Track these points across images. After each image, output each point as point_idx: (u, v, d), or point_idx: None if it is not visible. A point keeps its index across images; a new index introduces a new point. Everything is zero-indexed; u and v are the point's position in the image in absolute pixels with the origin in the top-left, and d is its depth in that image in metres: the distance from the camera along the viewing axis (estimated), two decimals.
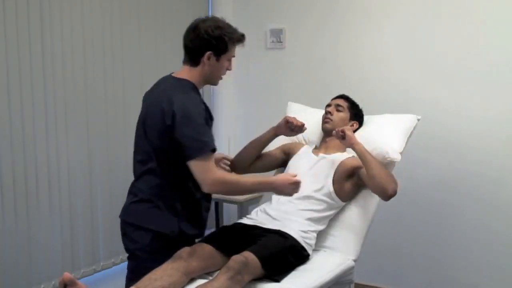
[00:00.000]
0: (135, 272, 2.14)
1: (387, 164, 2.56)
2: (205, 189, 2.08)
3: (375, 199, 2.50)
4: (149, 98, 2.22)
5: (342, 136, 2.43)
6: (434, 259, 3.23)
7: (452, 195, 3.15)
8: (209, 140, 2.07)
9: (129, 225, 2.20)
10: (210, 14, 3.94)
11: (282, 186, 2.19)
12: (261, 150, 2.63)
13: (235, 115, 3.97)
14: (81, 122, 3.02)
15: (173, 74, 2.22)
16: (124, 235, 2.24)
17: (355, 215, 2.46)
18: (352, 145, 2.41)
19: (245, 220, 2.42)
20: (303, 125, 2.52)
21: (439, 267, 3.22)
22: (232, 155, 3.88)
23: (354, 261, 2.38)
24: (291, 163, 2.59)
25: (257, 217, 2.41)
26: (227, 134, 3.75)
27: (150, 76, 3.41)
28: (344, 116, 2.62)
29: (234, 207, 3.43)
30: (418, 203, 3.25)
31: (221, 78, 2.25)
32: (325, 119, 2.61)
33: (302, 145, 2.71)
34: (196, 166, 2.04)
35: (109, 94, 3.17)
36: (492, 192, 3.04)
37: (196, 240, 2.25)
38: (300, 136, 2.78)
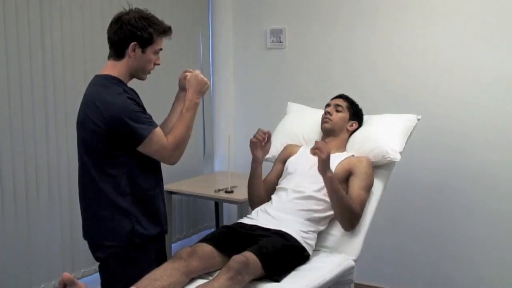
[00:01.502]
0: (110, 281, 2.13)
1: (387, 164, 2.56)
2: (169, 162, 2.09)
3: (375, 198, 2.50)
4: (80, 107, 2.13)
5: (317, 154, 2.29)
6: (434, 259, 3.23)
7: (452, 195, 3.15)
8: (148, 121, 2.02)
9: (96, 237, 2.13)
10: (210, 15, 3.95)
11: (198, 85, 2.15)
12: (262, 181, 2.61)
13: (235, 115, 3.97)
14: None
15: (98, 73, 2.14)
16: (94, 247, 2.16)
17: None
18: (323, 172, 2.30)
19: (245, 220, 2.42)
20: (267, 132, 2.50)
21: (439, 267, 3.22)
22: (231, 154, 3.92)
23: (354, 261, 2.38)
24: (289, 163, 2.59)
25: (258, 217, 2.41)
26: (227, 134, 3.75)
27: (150, 76, 3.43)
28: (343, 116, 2.62)
29: (234, 207, 3.42)
30: (418, 203, 3.25)
31: (149, 73, 2.14)
32: (325, 119, 2.61)
33: (299, 146, 2.71)
34: (148, 149, 2.02)
35: None
36: (493, 192, 3.03)
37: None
38: (300, 136, 2.78)
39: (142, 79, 2.16)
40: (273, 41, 3.71)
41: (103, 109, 1.98)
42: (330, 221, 2.47)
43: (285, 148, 2.72)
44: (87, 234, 2.15)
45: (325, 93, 2.83)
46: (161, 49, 2.13)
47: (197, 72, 2.20)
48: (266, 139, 2.54)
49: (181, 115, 2.13)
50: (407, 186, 3.23)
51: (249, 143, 2.45)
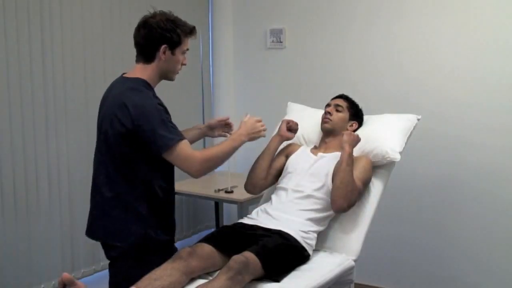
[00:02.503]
0: (117, 278, 2.16)
1: (387, 164, 2.56)
2: (194, 174, 2.07)
3: (375, 199, 2.50)
4: (104, 105, 2.15)
5: (346, 134, 2.40)
6: (435, 259, 3.23)
7: (453, 194, 3.15)
8: (176, 131, 2.04)
9: (107, 237, 2.15)
10: (210, 15, 3.95)
11: (251, 129, 2.21)
12: (271, 161, 2.60)
13: (235, 115, 3.96)
14: (81, 122, 3.02)
15: (124, 75, 2.17)
16: (106, 246, 2.19)
17: (355, 215, 2.45)
18: (344, 144, 2.37)
19: (245, 220, 2.42)
20: (297, 123, 2.57)
21: (440, 267, 3.22)
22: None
23: (354, 261, 2.38)
24: (289, 162, 2.59)
25: (258, 217, 2.41)
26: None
27: None
28: (343, 116, 2.61)
29: (234, 207, 3.42)
30: (418, 203, 3.25)
31: (177, 73, 2.18)
32: (325, 119, 2.61)
33: (299, 145, 2.71)
34: (174, 158, 2.01)
35: None
36: (493, 191, 3.03)
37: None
38: (300, 136, 2.77)
39: (172, 79, 2.20)
40: (273, 41, 3.71)
41: (133, 112, 1.98)
42: (330, 221, 2.47)
43: (287, 145, 2.72)
44: (96, 233, 2.17)
45: (325, 93, 2.83)
46: (187, 49, 2.16)
47: (259, 118, 2.25)
48: (295, 129, 2.58)
49: (224, 141, 2.17)
50: (407, 186, 3.23)
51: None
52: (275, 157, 2.65)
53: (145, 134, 1.99)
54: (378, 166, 2.56)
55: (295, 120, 2.61)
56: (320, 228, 2.40)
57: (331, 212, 2.42)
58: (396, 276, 3.34)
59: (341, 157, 2.36)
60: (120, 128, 2.01)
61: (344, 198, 2.31)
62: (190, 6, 3.76)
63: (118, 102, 2.03)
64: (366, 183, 2.45)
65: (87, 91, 3.05)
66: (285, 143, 2.73)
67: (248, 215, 2.48)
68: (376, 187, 2.53)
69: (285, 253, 2.16)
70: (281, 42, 3.69)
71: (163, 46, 2.07)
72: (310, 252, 2.30)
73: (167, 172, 2.13)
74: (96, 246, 3.11)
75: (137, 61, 2.14)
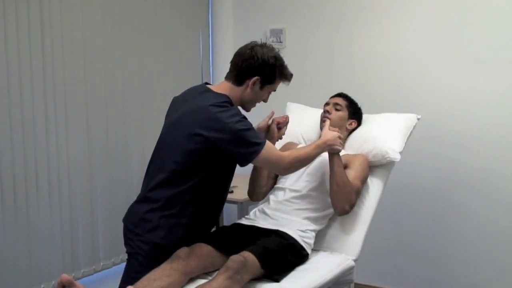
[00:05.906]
0: (129, 274, 2.16)
1: (387, 164, 2.56)
2: (282, 173, 2.32)
3: (375, 198, 2.50)
4: (183, 110, 2.14)
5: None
6: (435, 259, 3.22)
7: (452, 194, 3.15)
8: (260, 137, 2.11)
9: (131, 231, 2.17)
10: (210, 14, 3.95)
11: (333, 141, 2.27)
12: None
13: None
14: (81, 122, 3.02)
15: (210, 87, 2.18)
16: (126, 238, 2.21)
17: (355, 215, 2.45)
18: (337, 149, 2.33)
19: (243, 221, 2.42)
20: (286, 116, 2.50)
21: (440, 267, 3.22)
22: None
23: (354, 261, 2.38)
24: None
25: (255, 218, 2.41)
26: None
27: (150, 76, 3.44)
28: (342, 114, 2.61)
29: (234, 207, 3.41)
30: (418, 203, 3.25)
31: (254, 106, 2.24)
32: (323, 118, 2.60)
33: (298, 145, 2.70)
34: (264, 161, 2.09)
35: (109, 94, 3.17)
36: (493, 191, 3.03)
37: None
38: (299, 136, 2.77)
39: (247, 110, 2.24)
40: (273, 41, 3.71)
41: (221, 124, 2.00)
42: (330, 220, 2.46)
43: (287, 144, 2.71)
44: (135, 221, 2.16)
45: (325, 93, 2.83)
46: (274, 90, 2.22)
47: (340, 135, 2.33)
48: (286, 122, 2.50)
49: (309, 146, 2.25)
50: (407, 186, 3.22)
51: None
52: None
53: (235, 147, 2.04)
54: (377, 166, 2.56)
55: (283, 118, 2.52)
56: (318, 227, 2.40)
57: (328, 211, 2.42)
58: (396, 276, 3.34)
59: (330, 160, 2.33)
60: (201, 140, 2.03)
61: (344, 200, 2.31)
62: (190, 6, 3.76)
63: (206, 116, 2.02)
64: (364, 181, 2.45)
65: (87, 91, 3.04)
66: (285, 141, 2.72)
67: (246, 216, 2.48)
68: (376, 187, 2.53)
69: (283, 252, 2.15)
70: (281, 42, 3.68)
71: (255, 78, 2.12)
72: (309, 251, 2.30)
73: (213, 195, 2.25)
74: (96, 246, 3.13)
75: (227, 78, 2.18)
